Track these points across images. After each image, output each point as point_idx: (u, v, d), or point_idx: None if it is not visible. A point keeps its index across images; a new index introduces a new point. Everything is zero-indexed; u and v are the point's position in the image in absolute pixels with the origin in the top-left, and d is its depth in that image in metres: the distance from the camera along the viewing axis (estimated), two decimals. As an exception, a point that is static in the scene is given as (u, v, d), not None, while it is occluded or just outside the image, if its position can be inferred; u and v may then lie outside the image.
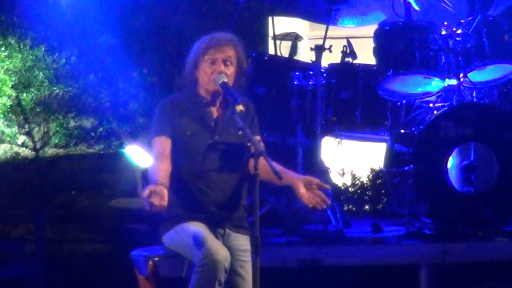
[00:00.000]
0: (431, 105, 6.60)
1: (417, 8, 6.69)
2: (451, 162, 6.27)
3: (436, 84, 6.52)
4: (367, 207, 7.87)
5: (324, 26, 6.70)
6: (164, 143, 5.01)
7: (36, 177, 7.60)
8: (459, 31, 6.45)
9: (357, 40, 6.88)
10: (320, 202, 4.92)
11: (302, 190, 4.93)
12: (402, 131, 6.54)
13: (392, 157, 6.60)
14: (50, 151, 8.23)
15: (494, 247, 6.04)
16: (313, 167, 6.54)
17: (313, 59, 6.62)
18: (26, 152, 8.13)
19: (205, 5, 8.68)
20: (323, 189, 4.97)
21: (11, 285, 6.68)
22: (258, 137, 5.10)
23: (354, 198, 7.83)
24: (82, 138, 8.39)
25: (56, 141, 8.26)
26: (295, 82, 6.60)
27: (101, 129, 8.42)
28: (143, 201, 4.70)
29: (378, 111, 6.63)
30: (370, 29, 6.86)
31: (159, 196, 4.70)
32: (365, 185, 8.05)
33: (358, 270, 6.02)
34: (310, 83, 6.57)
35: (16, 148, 8.17)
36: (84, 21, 8.56)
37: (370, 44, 6.66)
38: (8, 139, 8.19)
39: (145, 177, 8.04)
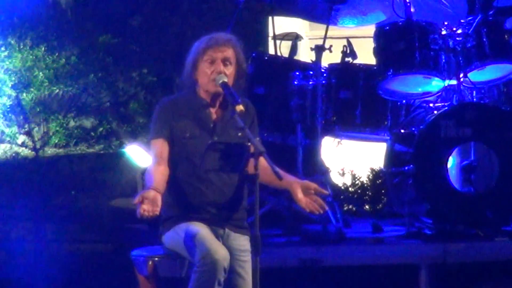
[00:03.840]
0: (431, 105, 6.59)
1: (412, 9, 6.68)
2: (451, 162, 6.27)
3: (436, 84, 6.52)
4: (367, 207, 7.87)
5: (324, 26, 6.70)
6: (161, 146, 5.00)
7: (36, 177, 7.59)
8: (459, 31, 6.44)
9: (357, 40, 6.88)
10: (318, 208, 4.92)
11: (299, 195, 4.93)
12: (402, 131, 6.54)
13: (392, 157, 6.60)
14: (50, 151, 8.23)
15: (494, 247, 6.04)
16: (313, 167, 6.55)
17: (313, 59, 6.62)
18: (26, 152, 8.14)
19: (205, 5, 8.68)
20: (321, 194, 4.97)
21: (11, 285, 6.68)
22: (258, 139, 5.10)
23: (354, 198, 7.83)
24: (82, 138, 8.39)
25: (56, 141, 8.26)
26: (295, 82, 6.60)
27: (101, 129, 8.42)
28: (138, 207, 4.69)
29: (378, 111, 6.64)
30: (370, 29, 6.86)
31: (151, 202, 4.69)
32: (365, 185, 8.05)
33: (358, 270, 6.02)
34: (310, 83, 6.58)
35: (16, 148, 8.17)
36: (84, 21, 8.57)
37: (370, 44, 6.66)
38: (8, 139, 8.19)
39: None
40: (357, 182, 8.07)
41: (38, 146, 8.05)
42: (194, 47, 5.07)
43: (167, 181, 4.99)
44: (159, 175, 4.90)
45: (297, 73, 6.63)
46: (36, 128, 8.28)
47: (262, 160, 4.71)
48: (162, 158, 4.97)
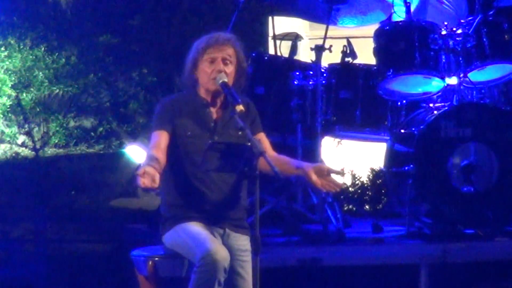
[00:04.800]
0: (431, 105, 6.59)
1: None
2: (451, 162, 6.27)
3: (436, 84, 6.52)
4: (367, 207, 7.87)
5: (324, 26, 6.69)
6: (161, 137, 5.00)
7: (36, 177, 7.60)
8: (459, 31, 6.44)
9: (357, 40, 6.88)
10: (334, 187, 4.98)
11: (314, 177, 4.97)
12: (402, 131, 6.54)
13: (392, 157, 6.59)
14: (50, 151, 8.23)
15: (494, 247, 6.03)
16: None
17: (313, 59, 6.61)
18: (26, 152, 8.14)
19: (205, 5, 8.69)
20: (336, 173, 5.02)
21: (11, 285, 6.68)
22: (262, 134, 5.14)
23: (354, 198, 7.82)
24: (82, 138, 8.40)
25: (56, 141, 8.27)
26: (295, 82, 6.60)
27: (101, 129, 8.43)
28: (136, 180, 4.66)
29: (378, 111, 6.63)
30: (370, 29, 6.85)
31: (151, 177, 4.67)
32: (365, 185, 8.04)
33: (358, 270, 6.01)
34: (310, 83, 6.57)
35: (16, 148, 8.18)
36: (84, 21, 8.57)
37: (370, 44, 6.66)
38: (8, 139, 8.20)
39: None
40: (357, 182, 8.06)
41: (38, 146, 8.06)
42: (194, 46, 5.07)
43: (167, 180, 5.01)
44: (158, 157, 4.87)
45: (297, 73, 6.62)
46: (36, 128, 8.29)
47: (272, 153, 4.97)
48: (159, 148, 4.96)
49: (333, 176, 5.01)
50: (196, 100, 5.09)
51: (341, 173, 5.07)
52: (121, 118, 8.49)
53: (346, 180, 8.08)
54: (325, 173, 4.99)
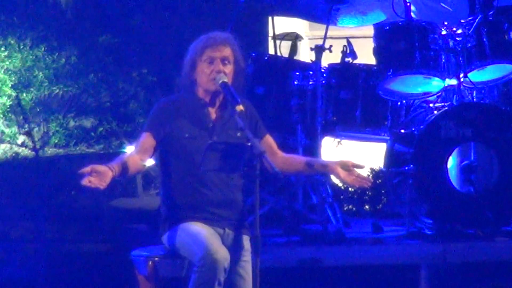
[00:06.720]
0: (431, 105, 6.60)
1: (412, 8, 6.67)
2: (451, 162, 6.27)
3: (436, 84, 6.52)
4: (367, 207, 7.87)
5: (324, 26, 6.70)
6: (145, 139, 5.03)
7: (36, 177, 7.59)
8: (459, 31, 6.45)
9: (357, 40, 6.88)
10: (364, 182, 5.00)
11: (342, 174, 5.00)
12: (402, 131, 6.55)
13: (392, 157, 6.60)
14: (50, 151, 8.22)
15: (494, 247, 6.04)
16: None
17: (313, 59, 6.62)
18: (26, 152, 8.13)
19: (205, 5, 8.68)
20: (359, 167, 5.04)
21: (11, 285, 6.67)
22: (268, 135, 5.17)
23: (354, 198, 7.82)
24: (82, 138, 8.39)
25: (56, 141, 8.25)
26: (295, 82, 6.60)
27: (101, 129, 8.41)
28: (85, 177, 4.64)
29: (378, 111, 6.63)
30: (370, 29, 6.85)
31: (100, 175, 4.67)
32: (365, 185, 8.03)
33: (358, 270, 6.02)
34: (310, 83, 6.57)
35: (16, 148, 8.16)
36: (84, 21, 8.56)
37: (370, 44, 6.66)
38: (8, 139, 8.18)
39: (145, 177, 8.08)
40: (357, 182, 8.04)
41: (38, 146, 8.04)
42: (192, 47, 5.07)
43: (167, 181, 5.02)
44: (127, 160, 4.89)
45: (297, 73, 6.62)
46: (36, 128, 8.27)
47: (295, 156, 5.11)
48: (140, 149, 5.00)
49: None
50: (195, 100, 5.09)
51: (361, 166, 5.06)
52: (121, 118, 8.47)
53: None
54: (350, 167, 5.00)
